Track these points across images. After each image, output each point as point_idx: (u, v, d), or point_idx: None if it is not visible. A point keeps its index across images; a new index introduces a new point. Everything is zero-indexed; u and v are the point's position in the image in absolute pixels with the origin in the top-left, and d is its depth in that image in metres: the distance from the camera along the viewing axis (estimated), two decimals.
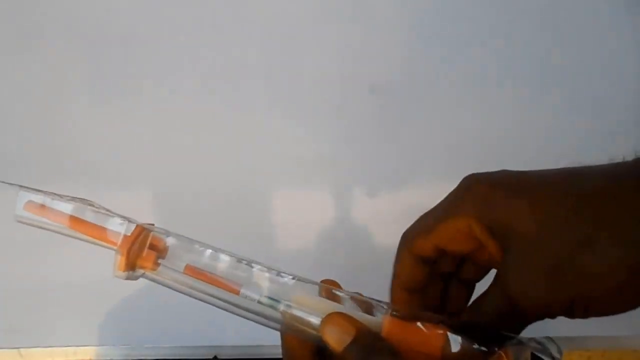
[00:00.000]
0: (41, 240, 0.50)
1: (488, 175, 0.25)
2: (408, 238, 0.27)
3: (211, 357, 0.52)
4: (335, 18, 0.47)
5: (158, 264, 0.26)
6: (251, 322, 0.54)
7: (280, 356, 0.53)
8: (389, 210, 0.51)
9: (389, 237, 0.51)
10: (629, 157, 0.23)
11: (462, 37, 0.47)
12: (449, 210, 0.25)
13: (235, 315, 0.54)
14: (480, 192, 0.24)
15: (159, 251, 0.26)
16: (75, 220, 0.27)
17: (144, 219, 0.50)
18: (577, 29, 0.47)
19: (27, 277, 0.51)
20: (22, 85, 0.48)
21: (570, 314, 0.22)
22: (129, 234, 0.25)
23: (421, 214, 0.28)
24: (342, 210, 0.51)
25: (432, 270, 0.27)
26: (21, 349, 0.53)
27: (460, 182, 0.26)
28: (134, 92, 0.49)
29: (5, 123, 0.49)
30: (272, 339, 0.53)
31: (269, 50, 0.48)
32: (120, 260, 0.26)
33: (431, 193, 0.50)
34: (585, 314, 0.22)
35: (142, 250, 0.26)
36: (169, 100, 0.49)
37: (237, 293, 0.25)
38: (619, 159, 0.24)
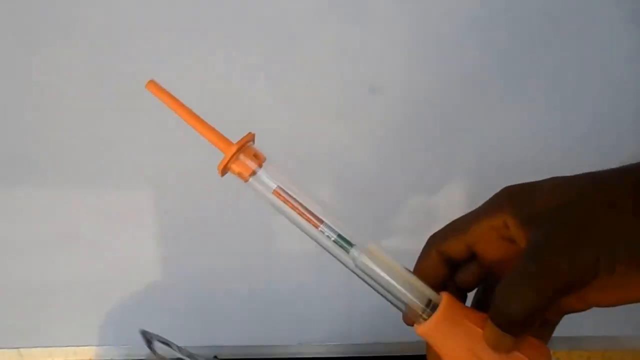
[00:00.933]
0: (41, 241, 0.51)
1: (521, 183, 0.27)
2: (438, 237, 0.28)
3: (211, 357, 0.52)
4: (335, 18, 0.47)
5: (248, 178, 0.29)
6: (251, 322, 0.54)
7: (280, 356, 0.54)
8: (389, 210, 0.51)
9: (389, 238, 0.52)
10: None
11: (462, 37, 0.47)
12: (486, 211, 0.27)
13: (235, 315, 0.54)
14: (514, 192, 0.26)
15: (256, 164, 0.29)
16: (194, 116, 0.31)
17: (144, 218, 0.51)
18: (580, 29, 0.47)
19: (27, 277, 0.51)
20: (22, 86, 0.48)
21: (596, 274, 0.22)
22: (236, 142, 0.28)
23: (421, 213, 0.29)
24: (342, 210, 0.51)
25: (452, 277, 0.28)
26: (21, 349, 0.53)
27: (496, 192, 0.27)
28: (133, 92, 0.49)
29: (5, 123, 0.49)
30: (272, 339, 0.53)
31: (269, 50, 0.48)
32: (222, 161, 0.29)
33: (432, 192, 0.51)
34: (607, 277, 0.22)
35: (242, 157, 0.29)
36: None
37: (317, 226, 0.27)
38: None
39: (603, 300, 0.24)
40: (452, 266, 0.28)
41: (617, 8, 0.47)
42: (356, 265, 0.26)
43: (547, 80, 0.48)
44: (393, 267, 0.26)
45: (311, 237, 0.27)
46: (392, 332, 0.52)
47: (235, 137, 0.49)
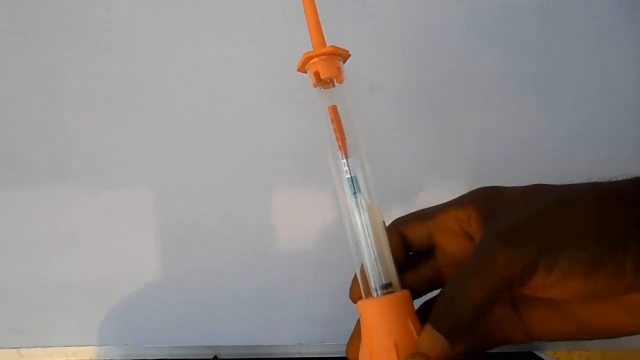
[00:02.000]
0: (41, 240, 0.51)
1: (497, 186, 0.27)
2: (403, 218, 0.29)
3: (211, 357, 0.52)
4: (335, 18, 0.47)
5: (318, 83, 0.28)
6: (251, 322, 0.54)
7: (280, 356, 0.53)
8: (389, 210, 0.50)
9: None
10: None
11: (462, 36, 0.48)
12: (455, 203, 0.27)
13: (235, 315, 0.54)
14: (486, 191, 0.26)
15: (336, 78, 0.28)
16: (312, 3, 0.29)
17: (144, 218, 0.51)
18: (579, 29, 0.47)
19: (27, 277, 0.51)
20: (22, 86, 0.48)
21: (535, 271, 0.22)
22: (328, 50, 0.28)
23: None
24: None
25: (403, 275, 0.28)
26: (21, 349, 0.53)
27: (472, 189, 0.28)
28: (133, 92, 0.49)
29: (5, 123, 0.49)
30: (272, 339, 0.53)
31: (268, 50, 0.48)
32: (309, 53, 0.28)
33: (432, 192, 0.51)
34: (545, 276, 0.22)
35: (327, 62, 0.28)
36: (169, 99, 0.49)
37: (344, 158, 0.28)
38: None
39: (541, 318, 0.24)
40: (408, 252, 0.28)
41: (618, 8, 0.47)
42: (350, 211, 0.27)
43: (548, 79, 0.48)
44: (379, 234, 0.27)
45: (333, 165, 0.28)
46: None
47: (236, 137, 0.49)
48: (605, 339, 0.24)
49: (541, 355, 0.52)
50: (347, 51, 0.28)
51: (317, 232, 0.51)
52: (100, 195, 0.50)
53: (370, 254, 0.26)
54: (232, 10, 0.47)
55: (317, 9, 0.28)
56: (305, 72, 0.29)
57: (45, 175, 0.50)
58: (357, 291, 0.27)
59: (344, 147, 0.28)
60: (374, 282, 0.26)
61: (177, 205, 0.51)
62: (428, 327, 0.23)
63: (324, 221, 0.50)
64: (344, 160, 0.28)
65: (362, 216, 0.27)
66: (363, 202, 0.27)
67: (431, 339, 0.23)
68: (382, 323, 0.25)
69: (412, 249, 0.28)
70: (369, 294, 0.26)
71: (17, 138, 0.49)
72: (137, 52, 0.48)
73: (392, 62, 0.48)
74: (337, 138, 0.28)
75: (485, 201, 0.26)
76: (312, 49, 0.28)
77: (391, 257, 0.27)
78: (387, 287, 0.26)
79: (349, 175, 0.27)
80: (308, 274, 0.51)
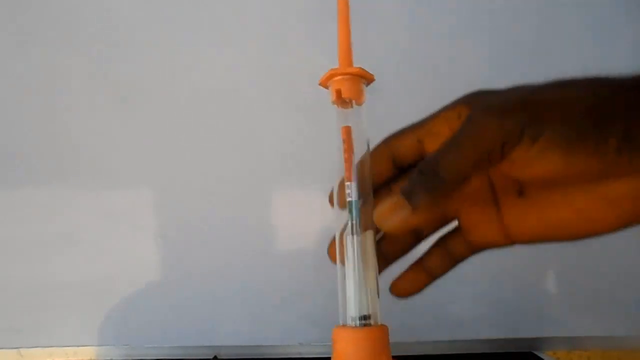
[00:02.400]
0: (41, 240, 0.51)
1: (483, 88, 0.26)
2: (393, 133, 0.28)
3: (211, 357, 0.52)
4: (334, 18, 0.47)
5: (337, 102, 0.27)
6: (251, 322, 0.54)
7: (280, 356, 0.54)
8: None
9: None
10: None
11: (461, 37, 0.48)
12: (445, 107, 0.26)
13: (235, 315, 0.54)
14: (475, 92, 0.26)
15: (356, 100, 0.28)
16: (346, 24, 0.29)
17: (144, 219, 0.51)
18: (579, 29, 0.47)
19: (27, 277, 0.51)
20: (23, 86, 0.48)
21: (519, 142, 0.22)
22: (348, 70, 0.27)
23: None
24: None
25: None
26: (21, 349, 0.53)
27: None
28: (134, 93, 0.49)
29: (5, 123, 0.49)
30: (272, 339, 0.53)
31: (269, 50, 0.48)
32: (334, 69, 0.27)
33: None
34: (528, 147, 0.22)
35: (350, 82, 0.27)
36: (169, 100, 0.49)
37: (349, 180, 0.27)
38: None
39: (521, 218, 0.24)
40: (399, 170, 0.27)
41: (618, 7, 0.47)
42: (344, 231, 0.26)
43: (547, 79, 0.48)
44: (370, 262, 0.26)
45: (336, 185, 0.27)
46: (389, 332, 0.52)
47: (236, 138, 0.49)
48: (585, 239, 0.23)
49: (541, 355, 0.52)
50: (373, 76, 0.28)
51: (317, 232, 0.51)
52: (100, 195, 0.50)
53: (357, 281, 0.26)
54: (233, 12, 0.47)
55: (350, 24, 0.29)
56: (327, 88, 0.28)
57: (45, 175, 0.50)
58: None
59: (349, 170, 0.27)
60: (354, 311, 0.25)
61: (177, 205, 0.51)
62: (394, 194, 0.23)
63: (324, 221, 0.50)
64: (348, 183, 0.27)
65: (355, 241, 0.26)
66: (358, 227, 0.26)
67: (393, 203, 0.23)
68: (355, 354, 0.24)
69: (402, 166, 0.28)
70: (345, 322, 0.26)
71: (17, 138, 0.49)
72: (138, 52, 0.48)
73: (392, 62, 0.48)
74: (345, 159, 0.27)
75: (476, 97, 0.25)
76: (338, 65, 0.28)
77: (376, 289, 0.26)
78: (366, 319, 0.25)
79: (350, 199, 0.26)
80: (308, 274, 0.51)
